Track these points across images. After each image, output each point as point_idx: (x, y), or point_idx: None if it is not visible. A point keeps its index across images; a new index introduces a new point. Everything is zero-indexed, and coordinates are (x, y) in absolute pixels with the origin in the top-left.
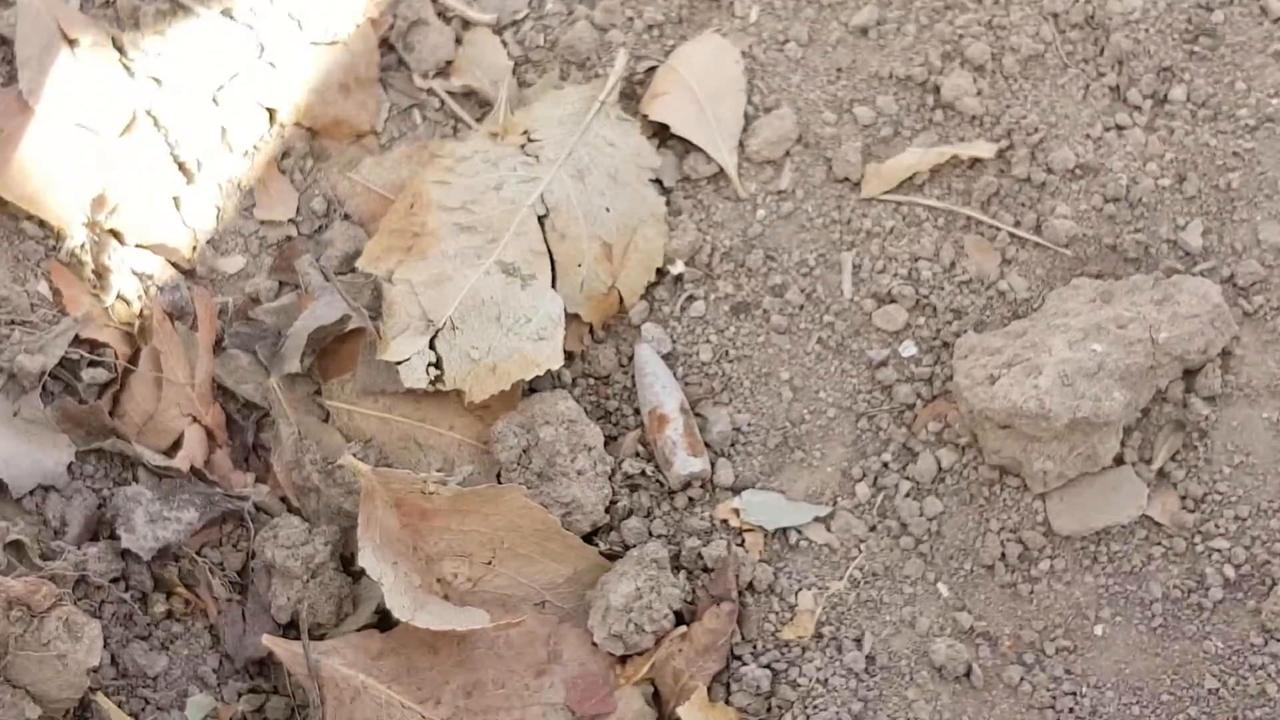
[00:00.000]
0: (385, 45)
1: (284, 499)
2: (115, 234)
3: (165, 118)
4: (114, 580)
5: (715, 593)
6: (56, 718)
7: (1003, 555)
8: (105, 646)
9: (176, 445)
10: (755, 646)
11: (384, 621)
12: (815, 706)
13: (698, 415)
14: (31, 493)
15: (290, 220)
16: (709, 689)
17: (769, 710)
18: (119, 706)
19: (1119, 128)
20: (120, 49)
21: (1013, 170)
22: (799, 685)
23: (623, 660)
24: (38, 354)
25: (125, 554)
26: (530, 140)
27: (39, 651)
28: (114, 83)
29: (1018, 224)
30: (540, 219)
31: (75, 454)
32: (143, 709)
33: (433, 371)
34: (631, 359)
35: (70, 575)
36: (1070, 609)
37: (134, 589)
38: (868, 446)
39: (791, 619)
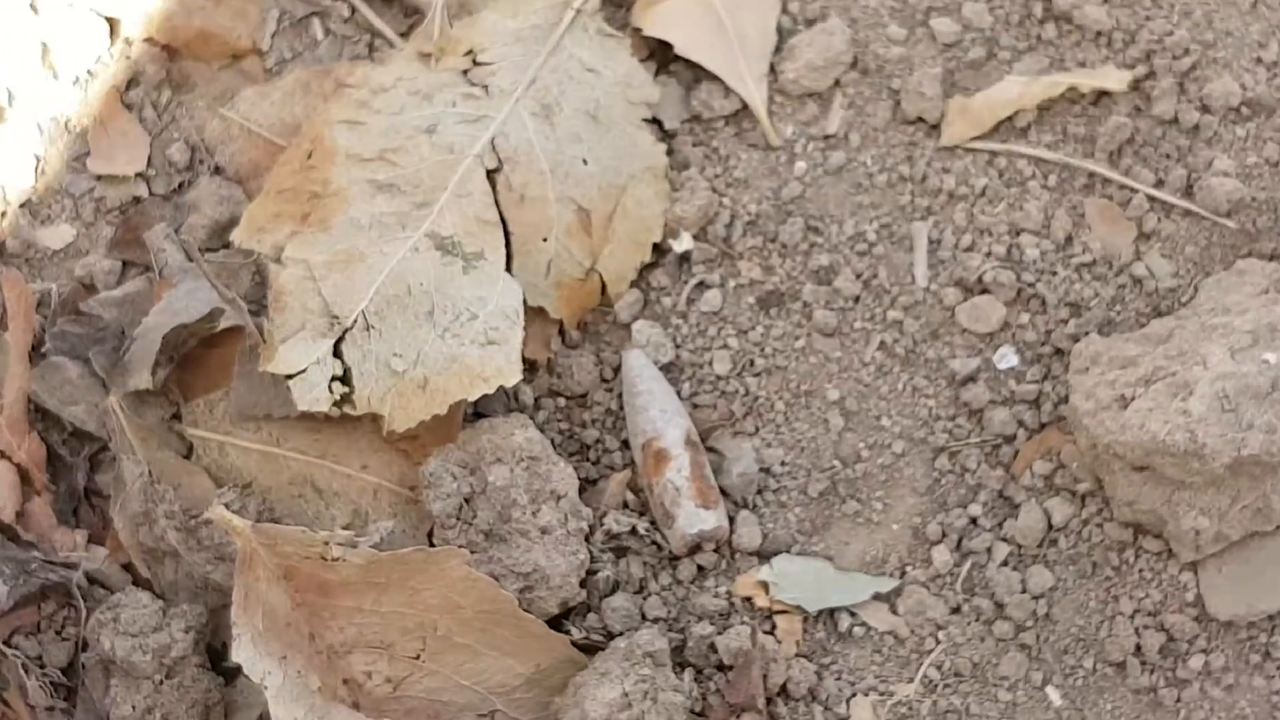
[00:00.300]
0: None
1: (128, 566)
2: None
3: None
4: None
5: (734, 701)
6: None
7: (1138, 649)
8: None
9: None
10: None
11: None
12: None
13: (711, 451)
14: None
15: (139, 175)
16: None
17: None
18: None
19: None
20: None
21: (1153, 108)
22: None
23: None
24: None
25: None
26: (476, 64)
27: None
28: None
29: (1160, 184)
30: (490, 174)
31: None
32: None
33: (339, 389)
34: (618, 371)
35: None
36: None
37: None
38: (949, 495)
39: None
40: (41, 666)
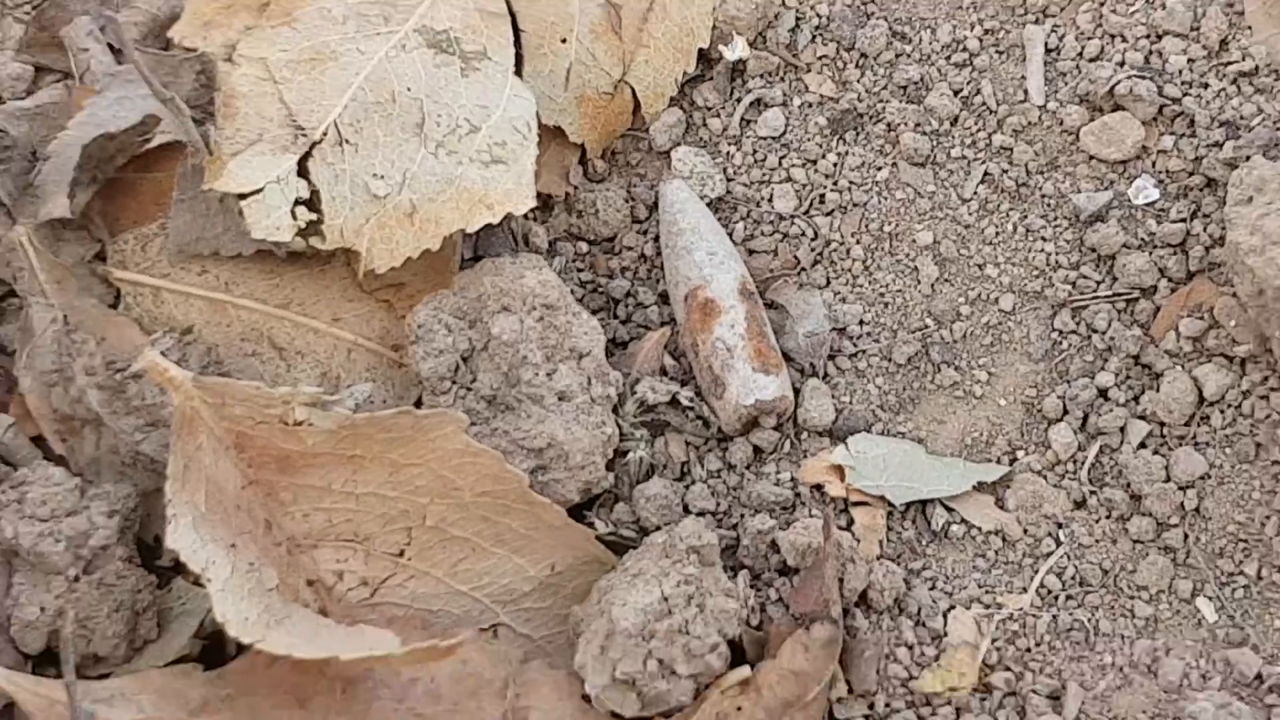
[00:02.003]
0: None
1: (38, 438)
2: None
3: None
4: None
5: (802, 610)
6: None
7: None
8: None
9: None
10: (873, 705)
11: (209, 653)
12: None
13: (771, 306)
14: None
15: None
16: None
17: None
18: None
19: None
20: None
21: None
22: None
23: None
24: None
25: None
26: None
27: None
28: None
29: None
30: None
31: None
32: None
33: (304, 215)
34: (654, 209)
35: None
36: None
37: None
38: (1071, 362)
39: (938, 658)
40: None
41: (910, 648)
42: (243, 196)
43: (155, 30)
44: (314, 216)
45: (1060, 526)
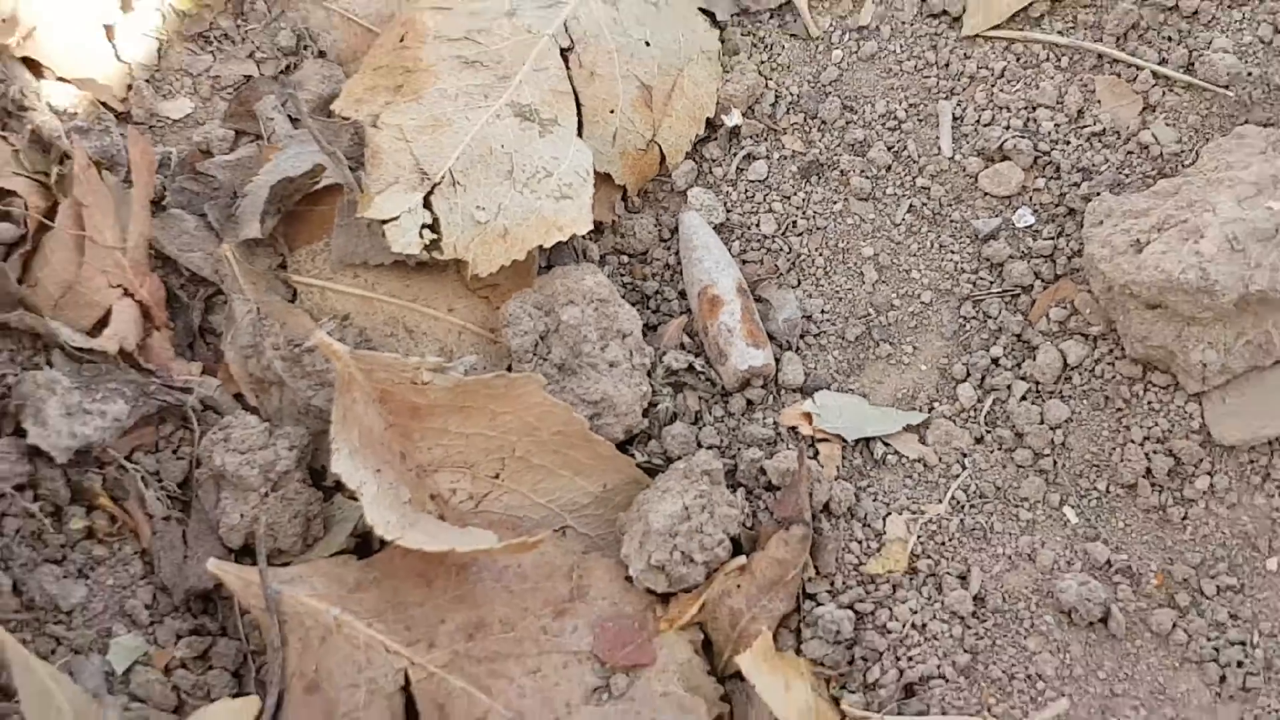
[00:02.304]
0: None
1: (238, 395)
2: (30, 64)
3: None
4: (19, 487)
5: (783, 515)
6: None
7: (1148, 471)
8: (5, 569)
9: (103, 323)
10: (833, 583)
11: (362, 547)
12: (910, 658)
13: (758, 300)
14: None
15: (250, 57)
16: (775, 635)
17: (851, 662)
18: (23, 645)
19: None
20: None
21: None
22: (889, 632)
23: (665, 599)
24: None
25: (34, 454)
26: None
27: None
28: None
29: (1163, 61)
30: (563, 52)
31: None
32: (52, 650)
33: (428, 235)
34: (675, 231)
35: None
36: (1236, 539)
37: (45, 499)
38: (973, 338)
39: (879, 549)
40: (159, 480)
41: (859, 542)
42: (385, 222)
43: (320, 105)
44: (435, 236)
45: (965, 456)
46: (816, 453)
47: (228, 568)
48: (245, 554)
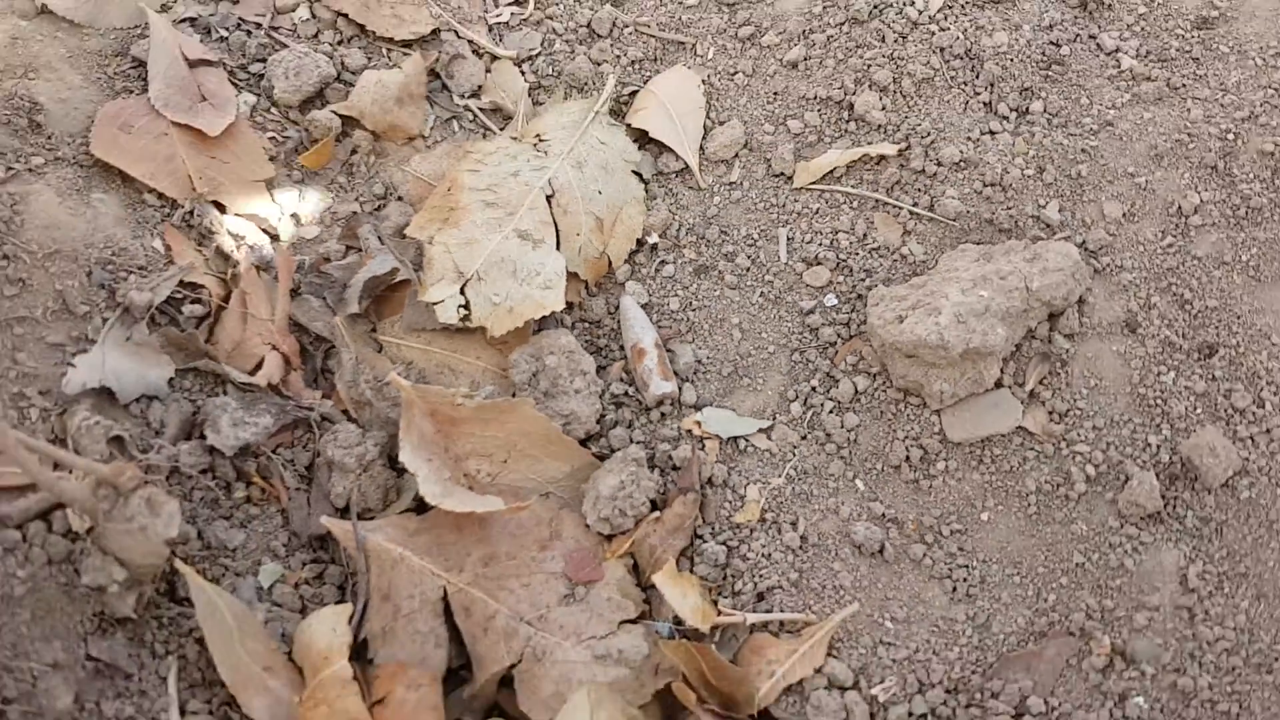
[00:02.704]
0: (432, 74)
1: (344, 411)
2: (219, 205)
3: (261, 122)
4: (202, 471)
5: (682, 485)
6: (144, 579)
7: (907, 458)
8: (193, 524)
9: (259, 368)
10: (714, 528)
11: (420, 507)
12: (761, 576)
13: (668, 350)
14: (137, 400)
15: (355, 200)
16: (676, 561)
17: (724, 579)
18: (202, 574)
19: (992, 132)
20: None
21: (911, 164)
22: (748, 559)
23: (609, 539)
24: (147, 291)
25: (212, 450)
26: (541, 140)
27: (124, 524)
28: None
29: (915, 204)
30: (548, 198)
31: (175, 371)
32: (223, 575)
33: (462, 311)
34: (618, 308)
35: (164, 465)
36: (961, 500)
37: (219, 479)
38: (800, 374)
39: (742, 507)
40: (293, 465)
41: (730, 503)
42: (435, 303)
43: (398, 230)
44: (467, 313)
45: (794, 448)
46: (704, 446)
47: (334, 523)
48: (346, 511)
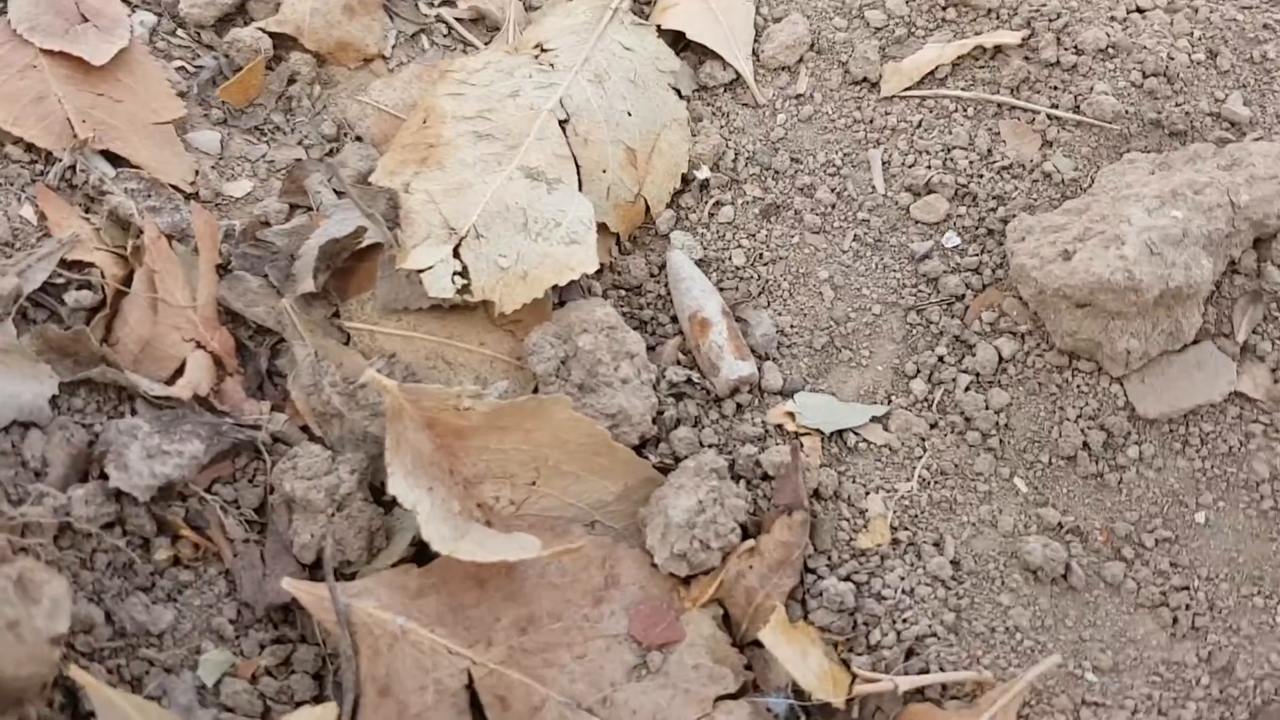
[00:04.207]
0: None
1: (304, 427)
2: (110, 156)
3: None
4: (106, 526)
5: (782, 501)
6: (25, 697)
7: (1085, 445)
8: (97, 604)
9: (178, 374)
10: (830, 558)
11: (420, 554)
12: (905, 620)
13: (738, 320)
14: (6, 429)
15: (299, 143)
16: (786, 607)
17: (854, 628)
18: (114, 672)
19: (1140, 9)
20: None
21: (1040, 54)
22: (884, 598)
23: (686, 581)
24: (13, 276)
25: (119, 495)
26: (544, 50)
27: None
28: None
29: (1055, 105)
30: (561, 124)
31: (59, 385)
32: (145, 673)
33: (459, 281)
34: (663, 268)
35: (49, 522)
36: (1166, 497)
37: (131, 534)
38: (919, 341)
39: (865, 526)
40: (237, 508)
41: (847, 520)
42: (421, 271)
43: (359, 179)
44: (465, 282)
45: (923, 440)
46: (801, 445)
47: (301, 586)
48: (317, 567)
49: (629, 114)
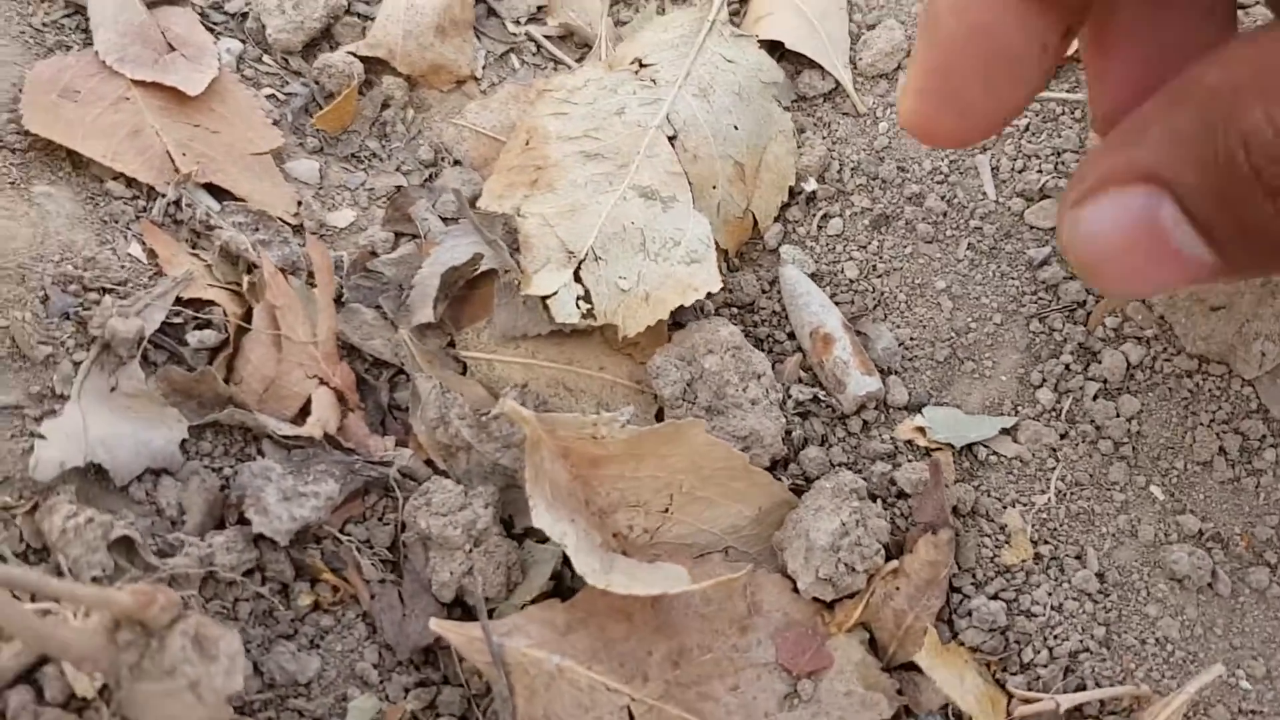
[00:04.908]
0: None
1: (429, 461)
2: (213, 190)
3: (252, 75)
4: (248, 573)
5: (924, 519)
6: None
7: (1221, 449)
8: (245, 654)
9: (304, 412)
10: (975, 576)
11: (558, 586)
12: (1056, 636)
13: (858, 334)
14: (140, 478)
15: (397, 170)
16: (935, 628)
17: (1006, 647)
18: None
19: (1242, 8)
20: (200, 11)
21: None
22: (1035, 615)
23: (830, 605)
24: (134, 317)
25: (258, 540)
26: (643, 65)
27: (162, 682)
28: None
29: None
30: (670, 140)
31: (188, 429)
32: None
33: (583, 305)
34: (774, 284)
35: (195, 573)
36: None
37: (272, 580)
38: (1042, 349)
39: (1007, 541)
40: (370, 547)
41: (989, 536)
42: (546, 298)
43: (467, 204)
44: (589, 306)
45: (1055, 451)
46: (935, 461)
47: (449, 626)
48: (455, 605)
49: (735, 128)
